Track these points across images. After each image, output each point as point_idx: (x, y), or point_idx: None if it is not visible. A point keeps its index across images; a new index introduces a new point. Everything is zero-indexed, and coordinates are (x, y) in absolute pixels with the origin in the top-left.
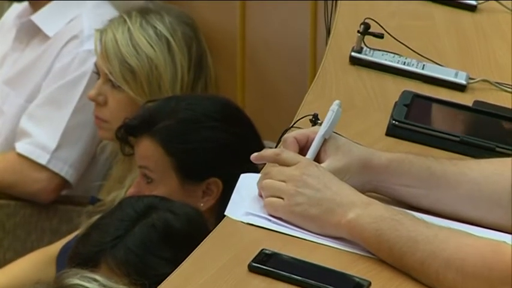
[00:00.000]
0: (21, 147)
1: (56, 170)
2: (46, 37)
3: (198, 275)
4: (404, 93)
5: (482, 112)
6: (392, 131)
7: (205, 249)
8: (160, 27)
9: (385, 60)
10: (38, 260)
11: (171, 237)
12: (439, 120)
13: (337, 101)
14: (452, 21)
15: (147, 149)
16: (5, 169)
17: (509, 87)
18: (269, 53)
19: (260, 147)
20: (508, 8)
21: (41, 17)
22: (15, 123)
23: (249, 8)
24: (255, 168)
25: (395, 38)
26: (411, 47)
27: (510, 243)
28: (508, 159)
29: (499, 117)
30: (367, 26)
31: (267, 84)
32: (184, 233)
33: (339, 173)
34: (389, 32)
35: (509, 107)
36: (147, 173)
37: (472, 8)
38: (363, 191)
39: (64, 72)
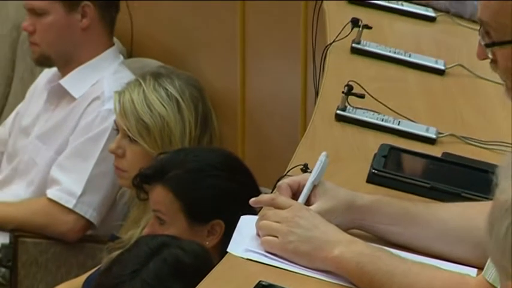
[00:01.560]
0: (52, 193)
1: (82, 213)
2: (73, 98)
3: None
4: (383, 146)
5: (450, 162)
6: (372, 179)
7: (210, 281)
8: (170, 89)
9: (366, 117)
10: None
11: (181, 271)
12: (413, 169)
13: (324, 153)
14: (424, 84)
15: (159, 195)
16: (38, 212)
17: (473, 141)
18: (265, 111)
19: (258, 192)
20: (473, 73)
21: (69, 82)
22: (46, 173)
23: (248, 72)
24: (253, 211)
25: (374, 98)
26: (388, 106)
27: (474, 275)
28: (471, 203)
29: (464, 166)
30: (350, 88)
31: (264, 139)
32: (193, 267)
33: (327, 214)
34: (369, 93)
35: (473, 158)
36: (160, 216)
37: (441, 72)
38: (348, 228)
39: (88, 128)
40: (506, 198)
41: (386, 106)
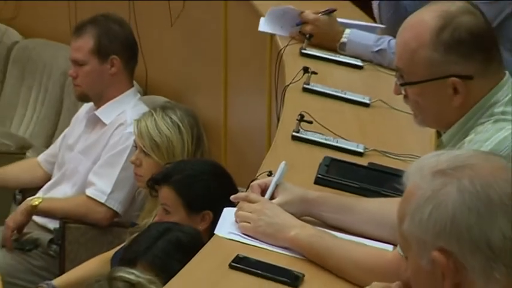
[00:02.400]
0: (89, 191)
1: (110, 206)
2: (104, 124)
3: (195, 271)
4: (325, 158)
5: (373, 169)
6: (318, 181)
7: (202, 255)
8: (174, 117)
9: (314, 137)
10: (100, 261)
11: (181, 248)
12: (347, 174)
13: (283, 162)
14: (355, 113)
15: (165, 193)
16: (79, 205)
17: (390, 154)
18: (241, 133)
19: (236, 191)
20: (389, 105)
21: (101, 112)
22: (85, 177)
23: (229, 106)
24: (233, 204)
25: (320, 124)
26: (330, 129)
27: (390, 250)
28: (388, 198)
29: (384, 172)
30: (302, 116)
31: (240, 153)
32: (190, 245)
33: (286, 205)
34: (316, 120)
35: (390, 166)
36: (166, 208)
37: (367, 105)
38: (301, 216)
39: (115, 145)
40: (423, 192)
41: (328, 129)
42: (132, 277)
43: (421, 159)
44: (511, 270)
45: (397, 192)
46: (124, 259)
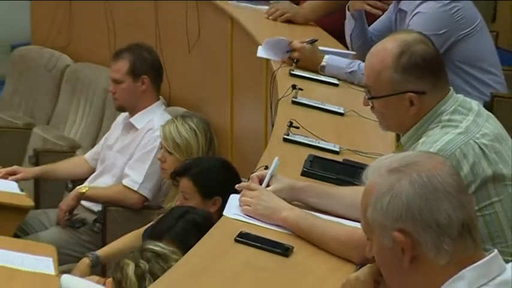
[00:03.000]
0: (125, 182)
1: (142, 193)
2: (136, 129)
3: (208, 244)
4: (310, 155)
5: (347, 164)
6: (304, 174)
7: (213, 232)
8: (191, 124)
9: (300, 139)
10: (133, 237)
11: (196, 227)
12: (326, 168)
13: (276, 158)
14: (332, 121)
15: (185, 183)
16: (117, 192)
17: (360, 153)
18: (244, 136)
19: (240, 181)
20: (359, 115)
21: (134, 120)
22: (122, 170)
23: (235, 114)
24: (237, 192)
25: (305, 129)
26: (313, 133)
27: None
28: (359, 187)
29: (355, 167)
30: (291, 123)
31: (243, 151)
32: (203, 224)
33: (278, 192)
34: (302, 126)
35: (360, 162)
36: (185, 195)
37: (342, 114)
38: (291, 201)
39: (145, 146)
40: (381, 186)
41: (311, 133)
42: (158, 249)
43: (377, 161)
44: (456, 242)
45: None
46: (152, 235)
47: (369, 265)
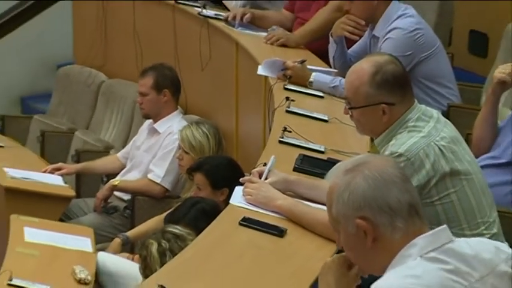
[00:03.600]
0: (150, 176)
1: (163, 184)
2: (159, 133)
3: (216, 228)
4: (300, 155)
5: (330, 162)
6: (295, 170)
7: (220, 217)
8: (203, 129)
9: (293, 141)
10: (156, 221)
11: (205, 214)
12: (314, 165)
13: (273, 156)
14: (319, 127)
15: (198, 177)
16: (144, 185)
17: (342, 153)
18: (247, 139)
19: (243, 175)
20: (341, 121)
21: (158, 125)
22: (147, 167)
23: (239, 121)
24: (241, 184)
25: (296, 133)
26: (304, 136)
27: None
28: None
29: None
30: (285, 128)
31: (246, 151)
32: (211, 212)
33: (274, 184)
34: (294, 130)
35: (341, 159)
36: (199, 187)
37: (326, 121)
38: (285, 192)
39: (166, 146)
40: (340, 185)
41: (302, 136)
42: (177, 231)
43: (334, 168)
44: (406, 219)
45: None
46: (171, 220)
47: (343, 253)
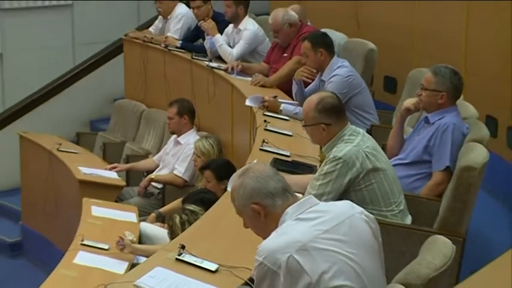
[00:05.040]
0: (175, 172)
1: (184, 178)
2: (181, 144)
3: (218, 207)
4: (273, 158)
5: (294, 163)
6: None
7: (220, 200)
8: (210, 141)
9: (269, 149)
10: (178, 202)
11: (202, 202)
12: (283, 165)
13: (256, 159)
14: (286, 139)
15: (207, 173)
16: (171, 178)
17: (301, 156)
18: (239, 149)
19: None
20: (300, 135)
21: (180, 139)
22: (173, 166)
23: (234, 137)
24: None
25: (271, 144)
26: (276, 145)
27: (301, 196)
28: (302, 175)
29: (299, 164)
30: (264, 140)
31: (238, 156)
32: (210, 200)
33: None
34: (270, 142)
35: (303, 161)
36: (207, 179)
37: (290, 136)
38: None
39: (186, 153)
40: (236, 185)
41: (275, 146)
42: (192, 208)
43: (233, 175)
44: (283, 198)
45: (305, 172)
46: (187, 201)
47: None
